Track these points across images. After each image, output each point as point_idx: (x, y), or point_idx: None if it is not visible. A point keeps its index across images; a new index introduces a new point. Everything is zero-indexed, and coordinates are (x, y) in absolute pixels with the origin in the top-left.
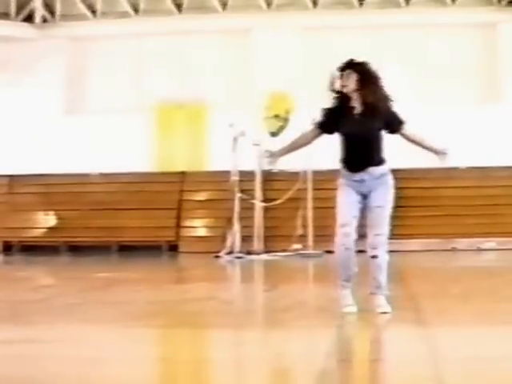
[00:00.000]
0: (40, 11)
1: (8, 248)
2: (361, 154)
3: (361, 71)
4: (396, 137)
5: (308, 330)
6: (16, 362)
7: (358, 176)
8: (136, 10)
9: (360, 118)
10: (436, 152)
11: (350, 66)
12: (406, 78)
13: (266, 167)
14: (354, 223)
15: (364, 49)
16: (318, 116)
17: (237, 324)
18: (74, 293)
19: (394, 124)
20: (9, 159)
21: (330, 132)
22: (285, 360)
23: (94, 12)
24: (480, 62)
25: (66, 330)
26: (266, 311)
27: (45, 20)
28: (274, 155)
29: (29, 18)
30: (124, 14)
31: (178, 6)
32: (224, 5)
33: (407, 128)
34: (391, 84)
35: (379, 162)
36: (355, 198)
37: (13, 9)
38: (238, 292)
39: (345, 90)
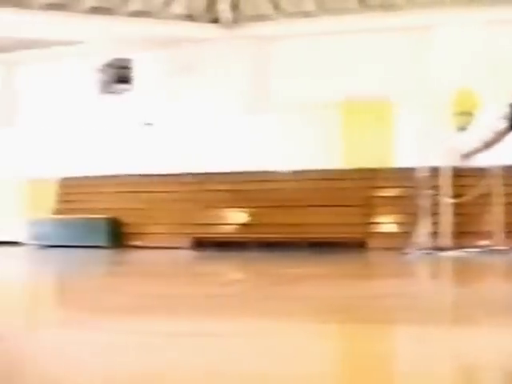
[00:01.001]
0: (226, 12)
1: (199, 244)
2: None
3: None
4: None
5: (497, 328)
6: (194, 355)
7: None
8: (320, 9)
9: None
10: None
11: None
12: None
13: (460, 165)
14: None
15: None
16: (505, 112)
17: (423, 320)
18: (260, 287)
19: None
20: (200, 157)
21: None
22: (471, 357)
23: (278, 11)
24: None
25: (249, 324)
26: (454, 308)
27: (231, 20)
28: (468, 155)
29: (215, 19)
30: (309, 13)
31: (362, 4)
32: (407, 1)
33: None
34: None
35: None
36: None
37: (199, 10)
38: (425, 288)
39: None
